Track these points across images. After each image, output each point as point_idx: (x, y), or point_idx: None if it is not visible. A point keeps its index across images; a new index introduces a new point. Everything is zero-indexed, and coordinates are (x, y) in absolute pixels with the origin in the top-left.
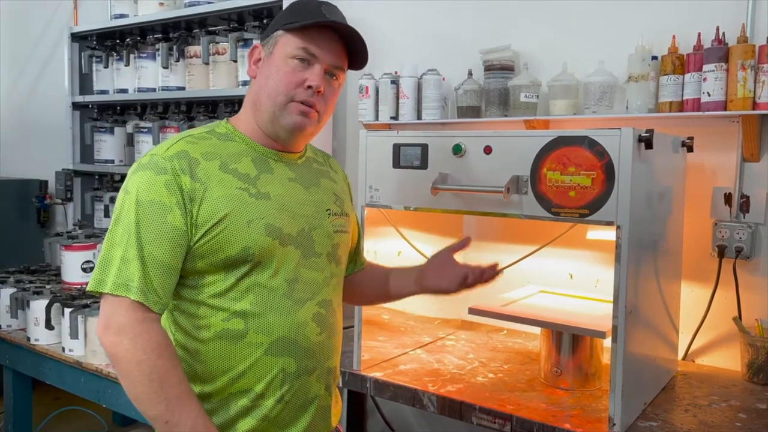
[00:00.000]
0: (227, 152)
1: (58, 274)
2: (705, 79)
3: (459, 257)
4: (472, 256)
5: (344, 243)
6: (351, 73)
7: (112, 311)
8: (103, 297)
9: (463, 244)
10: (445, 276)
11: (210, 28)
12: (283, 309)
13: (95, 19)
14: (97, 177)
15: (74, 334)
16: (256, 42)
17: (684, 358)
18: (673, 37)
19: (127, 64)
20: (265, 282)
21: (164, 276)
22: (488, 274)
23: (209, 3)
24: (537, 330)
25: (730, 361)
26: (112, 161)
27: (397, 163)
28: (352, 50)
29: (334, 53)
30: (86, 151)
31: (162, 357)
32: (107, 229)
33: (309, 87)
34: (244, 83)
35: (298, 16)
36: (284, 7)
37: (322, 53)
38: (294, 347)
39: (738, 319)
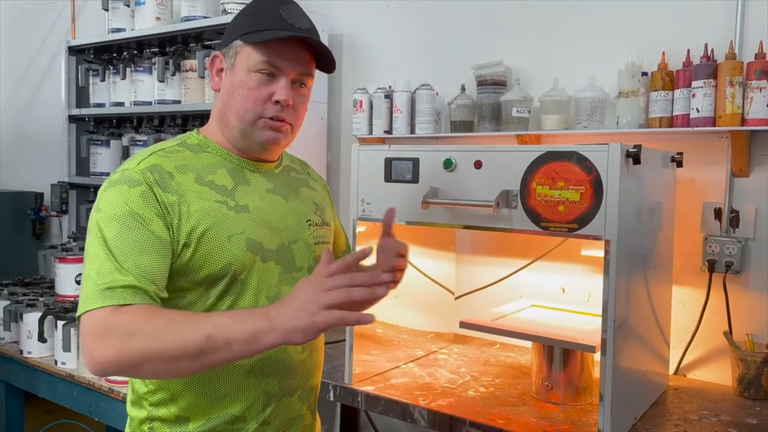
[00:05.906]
0: (201, 164)
1: (52, 287)
2: (694, 95)
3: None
4: (467, 270)
5: None
6: (345, 87)
7: (94, 324)
8: (81, 319)
9: (389, 216)
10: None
11: (206, 43)
12: None
13: (92, 33)
14: (92, 189)
15: (67, 347)
16: (216, 51)
17: (675, 373)
18: (663, 53)
19: (124, 78)
20: (246, 300)
21: (151, 282)
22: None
23: (205, 18)
24: (529, 344)
25: (721, 375)
26: (108, 174)
27: (389, 177)
28: (319, 52)
29: (299, 61)
30: (82, 164)
31: (158, 314)
32: None
33: (277, 102)
34: None
35: (257, 22)
36: None
37: (287, 64)
38: (276, 367)
39: (729, 333)
